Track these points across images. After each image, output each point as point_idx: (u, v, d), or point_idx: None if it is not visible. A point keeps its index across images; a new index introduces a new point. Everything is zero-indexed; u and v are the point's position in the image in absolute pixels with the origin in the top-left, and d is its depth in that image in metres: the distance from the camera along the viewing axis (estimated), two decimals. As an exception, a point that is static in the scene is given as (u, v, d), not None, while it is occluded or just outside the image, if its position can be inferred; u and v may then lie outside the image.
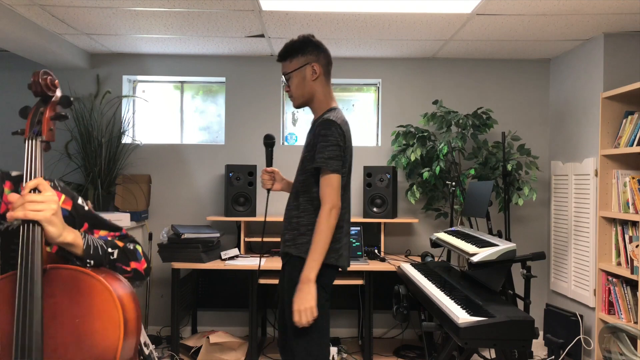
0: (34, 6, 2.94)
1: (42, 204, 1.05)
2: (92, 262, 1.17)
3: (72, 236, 1.12)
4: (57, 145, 3.80)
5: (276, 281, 3.09)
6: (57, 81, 1.18)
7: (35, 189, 1.07)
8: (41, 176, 1.11)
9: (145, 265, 1.31)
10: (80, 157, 3.83)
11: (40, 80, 1.13)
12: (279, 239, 3.57)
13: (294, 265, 1.91)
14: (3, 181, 1.19)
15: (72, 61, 3.79)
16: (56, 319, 1.08)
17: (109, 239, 1.27)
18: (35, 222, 1.06)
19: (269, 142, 2.10)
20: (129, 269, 1.26)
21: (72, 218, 1.23)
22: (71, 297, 1.09)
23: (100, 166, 3.81)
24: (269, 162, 2.10)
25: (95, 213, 1.31)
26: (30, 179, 1.09)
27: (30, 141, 1.10)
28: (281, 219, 2.13)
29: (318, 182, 1.91)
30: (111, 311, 1.09)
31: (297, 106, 2.05)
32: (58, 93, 1.18)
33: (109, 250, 1.22)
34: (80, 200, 1.28)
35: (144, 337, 2.83)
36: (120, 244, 1.27)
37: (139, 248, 1.32)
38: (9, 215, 1.05)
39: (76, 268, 1.11)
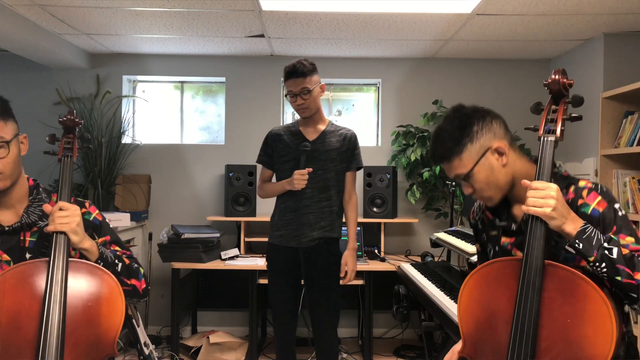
0: (34, 6, 2.94)
1: (67, 217, 1.32)
2: (101, 263, 1.39)
3: (89, 244, 1.37)
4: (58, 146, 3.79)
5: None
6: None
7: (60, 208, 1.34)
8: (70, 185, 1.41)
9: (145, 285, 1.51)
10: (80, 157, 3.83)
11: (72, 118, 1.48)
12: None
13: (333, 244, 2.45)
14: (52, 193, 1.52)
15: (72, 61, 3.79)
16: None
17: (119, 254, 1.49)
18: (63, 232, 1.31)
19: (306, 149, 2.36)
20: (128, 282, 1.46)
21: (101, 227, 1.52)
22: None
23: (100, 166, 3.81)
24: (303, 166, 2.35)
25: (116, 233, 1.59)
26: (65, 188, 1.39)
27: (65, 159, 1.43)
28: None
29: (344, 177, 2.48)
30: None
31: (308, 116, 2.41)
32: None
33: (116, 262, 1.44)
34: (107, 219, 1.59)
35: (144, 337, 2.84)
36: (127, 261, 1.48)
37: (141, 270, 1.52)
38: (45, 229, 1.33)
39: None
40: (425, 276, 2.70)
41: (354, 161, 2.49)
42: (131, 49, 3.89)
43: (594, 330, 1.11)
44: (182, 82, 4.25)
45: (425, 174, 3.69)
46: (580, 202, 1.27)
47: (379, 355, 3.61)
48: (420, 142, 3.74)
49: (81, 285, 1.33)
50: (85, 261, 1.37)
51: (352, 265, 2.44)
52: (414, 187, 3.80)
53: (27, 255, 1.40)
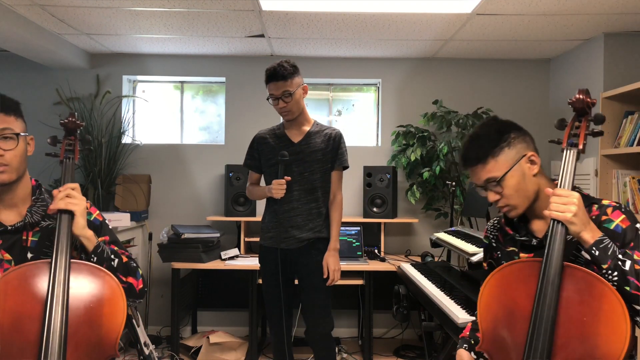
0: (34, 6, 2.94)
1: (77, 199, 1.38)
2: (95, 258, 1.40)
3: (90, 233, 1.41)
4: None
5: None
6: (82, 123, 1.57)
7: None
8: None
9: (142, 286, 1.51)
10: (80, 157, 3.83)
11: (73, 120, 1.51)
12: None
13: (321, 243, 2.43)
14: (51, 191, 1.50)
15: (72, 61, 3.79)
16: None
17: (118, 252, 1.50)
18: (69, 213, 1.36)
19: (284, 159, 2.34)
20: (124, 280, 1.45)
21: (100, 227, 1.55)
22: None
23: (100, 166, 3.81)
24: (281, 175, 2.34)
25: (115, 234, 1.62)
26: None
27: (67, 161, 1.47)
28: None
29: (330, 178, 2.46)
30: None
31: (292, 119, 2.41)
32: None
33: (112, 257, 1.45)
34: (107, 219, 1.64)
35: (144, 337, 2.83)
36: (125, 259, 1.49)
37: (139, 271, 1.53)
38: (51, 206, 1.36)
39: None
40: (425, 276, 2.70)
41: (338, 160, 2.46)
42: (131, 49, 3.89)
43: (608, 329, 1.16)
44: (182, 82, 4.25)
45: (425, 174, 3.69)
46: (604, 218, 1.34)
47: (379, 355, 3.61)
48: (420, 142, 3.74)
49: (83, 286, 1.33)
50: (87, 262, 1.38)
51: (334, 264, 2.40)
52: (414, 187, 3.79)
53: (29, 255, 1.41)
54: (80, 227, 1.38)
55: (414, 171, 3.87)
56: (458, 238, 2.73)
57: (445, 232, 3.02)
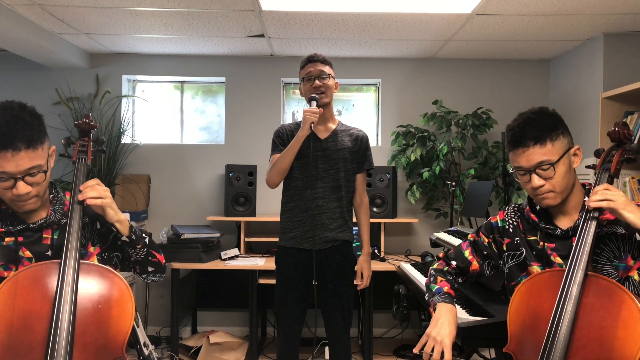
0: (34, 6, 2.94)
1: (104, 193, 1.40)
2: (134, 236, 1.47)
3: (123, 216, 1.46)
4: (57, 146, 3.79)
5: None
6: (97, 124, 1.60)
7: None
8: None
9: (164, 260, 1.60)
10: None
11: (87, 121, 1.56)
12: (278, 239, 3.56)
13: (346, 248, 2.43)
14: (64, 191, 1.55)
15: (72, 61, 3.78)
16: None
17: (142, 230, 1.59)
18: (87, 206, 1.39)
19: (316, 98, 2.31)
20: (157, 256, 1.55)
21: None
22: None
23: (100, 166, 3.80)
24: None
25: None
26: (78, 190, 1.41)
27: (79, 161, 1.49)
28: (277, 219, 2.58)
29: (353, 178, 2.44)
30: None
31: (325, 104, 2.36)
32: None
33: (143, 235, 1.53)
34: None
35: (143, 338, 2.83)
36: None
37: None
38: (81, 196, 1.37)
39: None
40: (425, 276, 2.69)
41: (366, 162, 2.46)
42: (131, 48, 3.89)
43: (626, 333, 1.23)
44: (182, 82, 4.25)
45: (425, 174, 3.68)
46: None
47: (379, 355, 3.61)
48: (420, 142, 3.74)
49: (92, 287, 1.34)
50: (96, 263, 1.40)
51: (368, 270, 2.45)
52: (414, 187, 3.79)
53: (49, 252, 1.42)
54: (113, 216, 1.41)
55: (414, 171, 3.87)
56: (458, 238, 2.73)
57: (445, 232, 3.01)
